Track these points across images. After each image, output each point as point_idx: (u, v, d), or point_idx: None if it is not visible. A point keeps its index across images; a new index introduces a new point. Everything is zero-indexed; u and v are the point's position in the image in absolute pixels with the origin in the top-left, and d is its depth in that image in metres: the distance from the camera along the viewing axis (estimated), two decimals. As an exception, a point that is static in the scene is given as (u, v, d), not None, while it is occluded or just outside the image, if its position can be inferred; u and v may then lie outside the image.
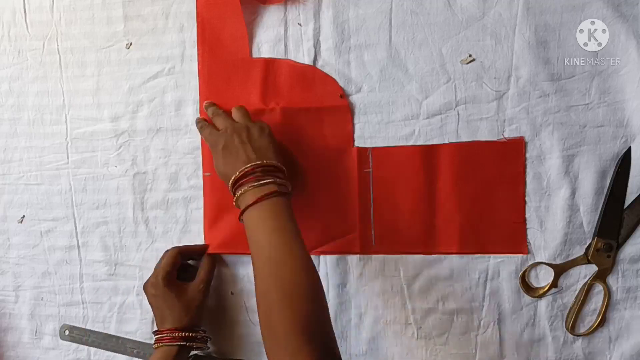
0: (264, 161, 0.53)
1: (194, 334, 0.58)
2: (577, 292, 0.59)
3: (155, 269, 0.61)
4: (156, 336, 0.58)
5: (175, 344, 0.57)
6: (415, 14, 0.60)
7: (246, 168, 0.52)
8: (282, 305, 0.46)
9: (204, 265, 0.62)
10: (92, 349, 0.68)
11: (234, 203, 0.54)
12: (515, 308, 0.60)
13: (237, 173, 0.52)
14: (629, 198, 0.57)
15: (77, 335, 0.67)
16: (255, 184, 0.51)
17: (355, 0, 0.61)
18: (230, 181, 0.53)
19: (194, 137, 0.64)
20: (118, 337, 0.67)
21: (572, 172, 0.58)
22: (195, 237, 0.65)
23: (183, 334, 0.57)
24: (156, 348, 0.58)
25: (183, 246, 0.63)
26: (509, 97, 0.59)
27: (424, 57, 0.60)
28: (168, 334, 0.57)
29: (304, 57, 0.62)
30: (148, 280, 0.60)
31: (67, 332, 0.67)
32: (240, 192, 0.52)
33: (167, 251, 0.62)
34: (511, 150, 0.59)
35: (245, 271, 0.64)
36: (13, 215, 0.69)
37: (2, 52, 0.67)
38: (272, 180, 0.52)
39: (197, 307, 0.59)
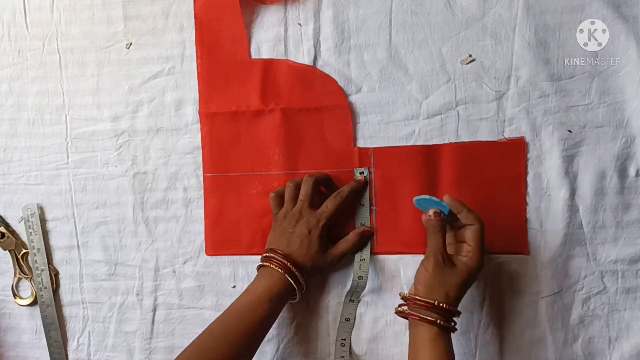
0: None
1: (300, 274, 0.57)
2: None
3: (319, 213, 0.58)
4: (270, 254, 0.57)
5: (283, 271, 0.56)
6: (415, 14, 0.60)
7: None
8: None
9: (348, 238, 0.60)
10: (92, 349, 0.68)
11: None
12: (515, 308, 0.60)
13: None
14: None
15: None
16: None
17: (355, 0, 0.61)
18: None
19: (194, 137, 0.64)
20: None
21: (572, 172, 0.58)
22: (196, 237, 0.65)
23: (293, 267, 0.56)
24: (261, 267, 0.58)
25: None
26: (509, 97, 0.59)
27: (424, 57, 0.60)
28: (283, 260, 0.57)
29: (304, 57, 0.62)
30: (307, 215, 0.58)
31: None
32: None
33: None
34: (512, 150, 0.59)
35: (245, 271, 0.64)
36: (13, 216, 0.68)
37: (2, 52, 0.67)
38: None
39: (319, 267, 0.59)
